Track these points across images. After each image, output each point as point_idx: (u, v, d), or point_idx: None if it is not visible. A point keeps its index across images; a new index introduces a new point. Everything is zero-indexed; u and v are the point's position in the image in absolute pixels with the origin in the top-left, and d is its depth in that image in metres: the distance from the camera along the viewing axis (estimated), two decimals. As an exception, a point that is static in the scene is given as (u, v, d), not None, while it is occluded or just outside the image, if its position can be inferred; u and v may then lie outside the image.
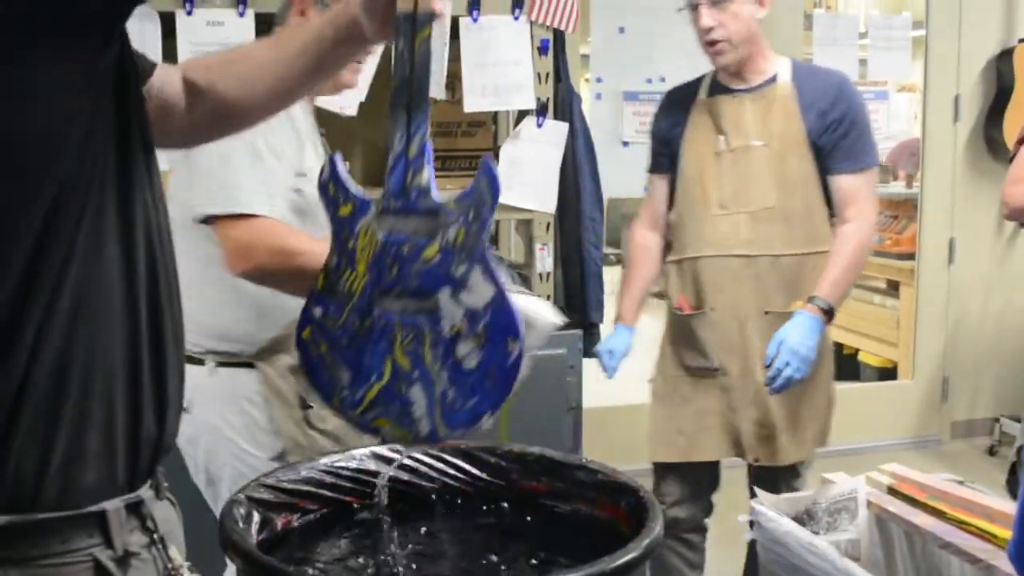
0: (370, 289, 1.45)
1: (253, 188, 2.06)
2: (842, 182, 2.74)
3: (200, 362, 2.17)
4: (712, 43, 2.71)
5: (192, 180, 2.09)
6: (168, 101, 1.44)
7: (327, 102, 2.99)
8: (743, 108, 2.77)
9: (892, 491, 2.08)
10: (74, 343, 1.14)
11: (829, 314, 2.68)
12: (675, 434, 2.88)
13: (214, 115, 1.51)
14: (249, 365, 2.19)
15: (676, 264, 2.90)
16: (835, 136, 2.72)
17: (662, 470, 2.97)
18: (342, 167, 1.48)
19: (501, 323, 1.42)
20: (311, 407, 2.19)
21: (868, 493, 2.07)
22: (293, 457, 2.16)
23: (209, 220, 2.06)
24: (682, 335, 2.88)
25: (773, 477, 2.81)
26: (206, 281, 2.10)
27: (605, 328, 3.89)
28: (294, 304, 2.09)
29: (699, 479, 2.95)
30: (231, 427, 2.20)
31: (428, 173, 1.44)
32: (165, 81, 1.44)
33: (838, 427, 2.98)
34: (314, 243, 2.07)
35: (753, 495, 2.33)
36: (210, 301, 2.14)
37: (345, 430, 2.20)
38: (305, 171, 2.13)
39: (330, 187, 1.47)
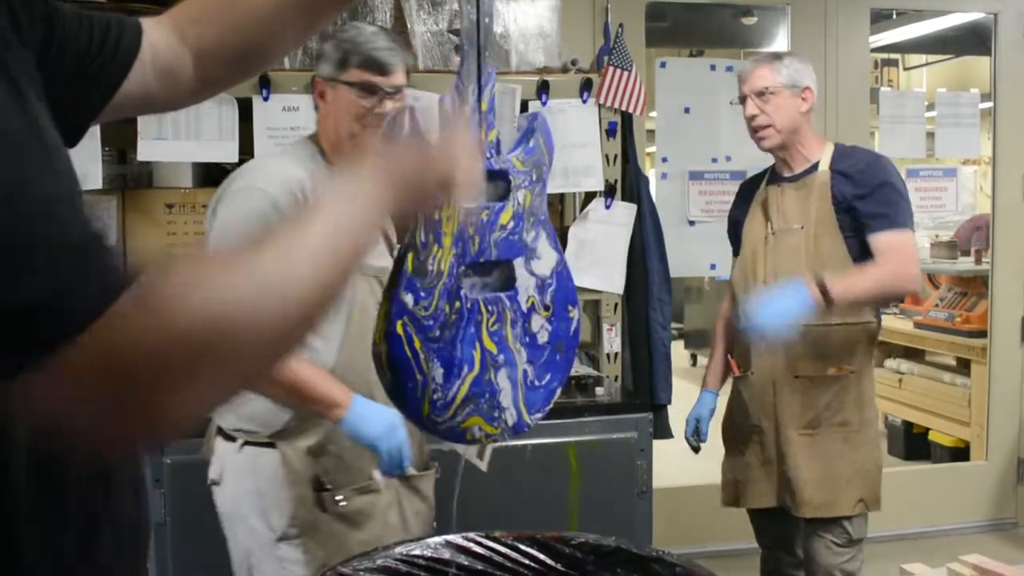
0: (456, 266, 1.32)
1: None
2: (879, 239, 2.95)
3: (232, 439, 2.24)
4: (756, 129, 3.08)
5: None
6: (169, 66, 1.26)
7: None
8: (786, 196, 3.11)
9: (974, 584, 2.02)
10: None
11: (825, 294, 2.77)
12: (732, 481, 3.22)
13: (225, 61, 1.31)
14: (271, 445, 2.22)
15: (738, 333, 3.19)
16: (867, 205, 2.96)
17: (752, 518, 3.30)
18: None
19: (564, 290, 1.36)
20: (327, 489, 2.20)
21: (950, 586, 2.02)
22: (306, 539, 2.19)
23: None
24: (734, 395, 3.23)
25: (813, 526, 3.06)
26: None
27: (672, 410, 3.88)
28: None
29: (774, 527, 3.25)
30: (247, 503, 2.24)
31: (497, 129, 1.35)
32: (156, 50, 1.26)
33: (911, 510, 2.93)
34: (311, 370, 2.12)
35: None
36: None
37: (360, 513, 2.22)
38: None
39: None
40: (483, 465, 2.35)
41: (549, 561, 1.71)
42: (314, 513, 2.21)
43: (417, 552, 1.72)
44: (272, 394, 2.15)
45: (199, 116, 3.32)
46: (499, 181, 1.35)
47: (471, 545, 1.73)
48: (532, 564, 1.71)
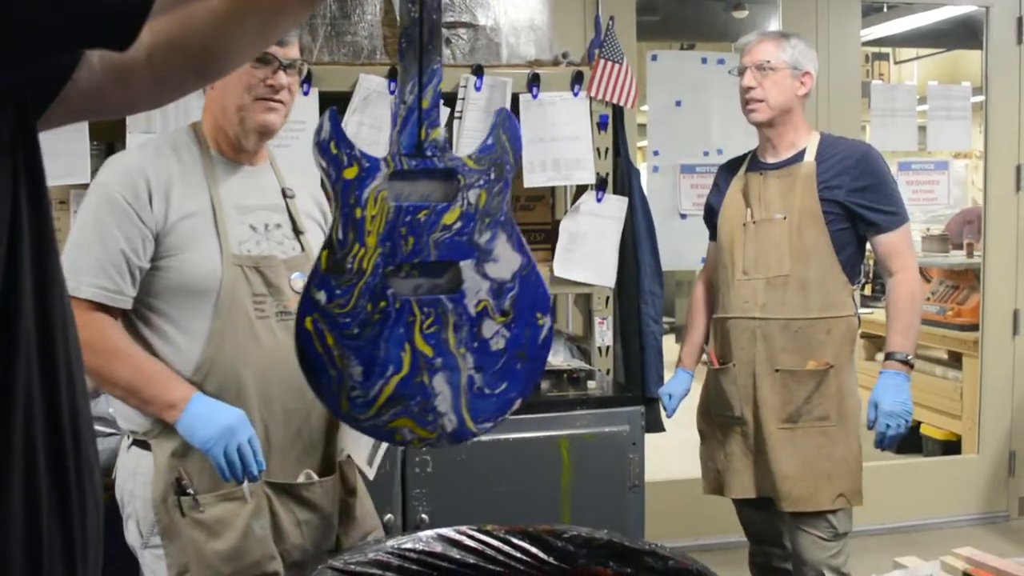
0: (382, 265, 1.28)
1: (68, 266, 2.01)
2: (882, 241, 3.03)
3: (126, 436, 2.20)
4: (748, 101, 3.07)
5: None
6: (120, 62, 1.20)
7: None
8: (769, 184, 3.09)
9: (967, 576, 2.02)
10: None
11: (909, 364, 2.97)
12: (714, 470, 3.22)
13: (179, 62, 1.25)
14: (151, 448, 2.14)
15: (714, 322, 3.26)
16: (866, 201, 3.00)
17: (738, 512, 3.32)
18: (340, 125, 1.31)
19: (530, 295, 1.30)
20: (189, 494, 2.10)
21: (943, 579, 2.02)
22: (167, 544, 2.11)
23: None
24: (713, 385, 3.20)
25: (798, 521, 3.05)
26: None
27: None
28: None
29: (761, 521, 3.26)
30: (128, 504, 2.18)
31: (443, 128, 1.29)
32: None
33: (904, 503, 2.92)
34: (130, 348, 2.03)
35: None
36: None
37: (218, 522, 2.11)
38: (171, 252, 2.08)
39: (332, 146, 1.29)
40: (370, 473, 2.30)
41: (541, 554, 1.70)
42: (173, 517, 2.10)
43: (409, 546, 1.71)
44: (114, 394, 2.09)
45: (188, 110, 3.29)
46: (444, 181, 1.30)
47: (463, 539, 1.72)
48: (524, 557, 1.70)
